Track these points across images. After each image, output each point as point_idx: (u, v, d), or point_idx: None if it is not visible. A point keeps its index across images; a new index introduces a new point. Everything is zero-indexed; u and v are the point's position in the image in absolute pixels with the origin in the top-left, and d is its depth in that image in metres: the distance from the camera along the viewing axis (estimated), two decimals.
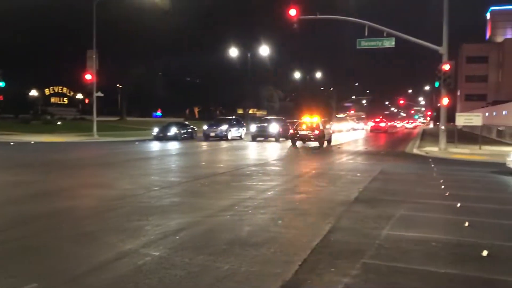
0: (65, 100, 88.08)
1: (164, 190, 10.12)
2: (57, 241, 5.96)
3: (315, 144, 27.27)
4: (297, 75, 75.00)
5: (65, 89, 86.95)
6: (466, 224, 7.15)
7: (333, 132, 35.42)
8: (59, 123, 46.93)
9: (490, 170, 14.77)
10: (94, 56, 31.35)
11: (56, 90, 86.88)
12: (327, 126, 31.54)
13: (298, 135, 27.34)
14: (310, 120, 28.59)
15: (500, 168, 14.71)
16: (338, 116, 70.24)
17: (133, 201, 8.69)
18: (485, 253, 5.59)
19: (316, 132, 26.79)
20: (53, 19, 50.01)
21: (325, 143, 27.98)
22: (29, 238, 6.07)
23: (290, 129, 30.97)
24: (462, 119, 23.55)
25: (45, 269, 4.80)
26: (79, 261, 5.11)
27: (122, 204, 8.40)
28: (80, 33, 41.06)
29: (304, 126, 27.98)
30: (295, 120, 43.95)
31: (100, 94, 33.65)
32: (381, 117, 74.39)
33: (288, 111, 75.64)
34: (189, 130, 34.10)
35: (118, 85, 66.81)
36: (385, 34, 22.72)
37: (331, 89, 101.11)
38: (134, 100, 74.13)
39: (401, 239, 6.28)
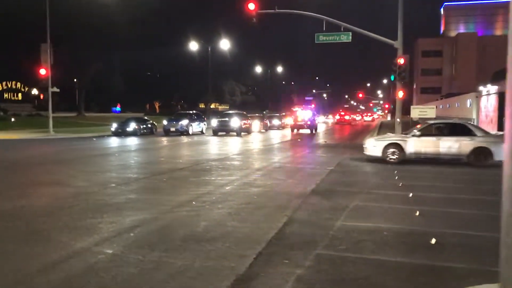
0: (20, 96, 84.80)
1: (121, 187, 9.96)
2: (7, 241, 5.78)
3: (307, 131, 38.67)
4: (258, 69, 75.16)
5: (19, 84, 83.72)
6: (417, 213, 7.41)
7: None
8: (13, 119, 45.24)
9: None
10: (48, 50, 30.33)
11: (9, 86, 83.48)
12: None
13: (297, 125, 39.27)
14: (304, 113, 40.60)
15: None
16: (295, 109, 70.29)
17: (87, 199, 8.51)
18: (433, 241, 5.81)
19: (309, 122, 38.99)
20: (5, 9, 47.99)
21: (314, 130, 39.16)
22: None
23: (248, 123, 35.83)
24: (417, 112, 24.19)
25: None
26: (30, 261, 4.97)
27: (76, 202, 8.21)
28: (34, 26, 39.57)
29: (299, 118, 39.55)
30: (256, 114, 44.08)
31: (55, 89, 32.61)
32: (343, 111, 76.88)
33: (249, 105, 75.85)
34: (149, 126, 33.63)
35: (75, 79, 64.93)
36: (342, 29, 23.06)
37: (292, 83, 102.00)
38: (93, 95, 72.39)
39: (354, 229, 6.43)
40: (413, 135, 15.06)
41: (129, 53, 66.44)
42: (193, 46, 50.30)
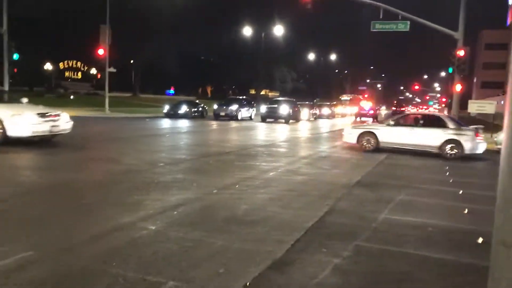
0: (79, 75, 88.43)
1: (169, 166, 10.21)
2: (56, 212, 6.08)
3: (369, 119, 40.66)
4: (311, 56, 74.28)
5: (79, 64, 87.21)
6: (466, 211, 7.14)
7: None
8: (72, 97, 47.29)
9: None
10: (107, 31, 31.32)
11: (70, 65, 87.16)
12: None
13: (361, 113, 45.22)
14: (366, 103, 47.50)
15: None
16: (343, 98, 67.94)
17: (137, 176, 8.79)
18: (480, 240, 5.59)
19: (371, 111, 45.83)
20: None
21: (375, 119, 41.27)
22: (30, 208, 6.20)
23: (298, 110, 35.70)
24: (475, 107, 23.19)
25: (42, 238, 4.91)
26: (76, 232, 5.22)
27: (125, 178, 8.51)
28: (95, 7, 40.98)
29: (365, 107, 46.48)
30: (306, 102, 43.68)
31: (112, 69, 33.72)
32: (399, 103, 76.64)
33: (300, 92, 75.22)
34: (200, 109, 34.16)
35: (131, 61, 66.82)
36: (400, 17, 22.32)
37: (345, 71, 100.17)
38: (148, 77, 74.24)
39: (398, 223, 6.29)
40: (388, 124, 15.49)
41: (184, 37, 67.44)
42: (247, 31, 50.37)
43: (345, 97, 69.61)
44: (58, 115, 12.97)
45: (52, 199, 6.77)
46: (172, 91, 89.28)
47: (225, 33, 67.63)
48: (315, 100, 58.04)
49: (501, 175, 1.61)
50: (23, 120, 11.84)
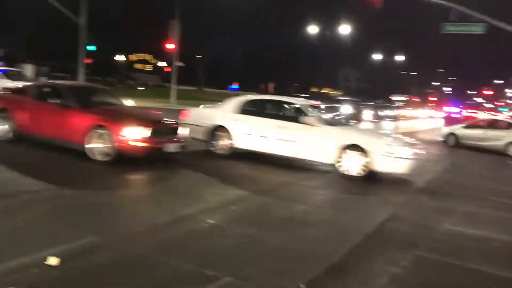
0: (148, 67, 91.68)
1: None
2: (120, 200, 6.37)
3: None
4: (376, 56, 72.44)
5: (148, 57, 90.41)
6: None
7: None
8: (140, 88, 49.13)
9: None
10: (176, 26, 32.23)
11: (140, 57, 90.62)
12: None
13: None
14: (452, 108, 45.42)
15: None
16: (394, 99, 61.47)
17: (195, 169, 8.98)
18: None
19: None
20: None
21: None
22: (95, 195, 6.52)
23: (360, 111, 34.01)
24: None
25: (105, 225, 5.14)
26: (138, 221, 5.43)
27: (195, 167, 8.71)
28: (167, 2, 42.34)
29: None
30: (369, 103, 42.67)
31: (180, 63, 34.71)
32: (471, 108, 73.22)
33: (364, 92, 73.59)
34: None
35: (198, 56, 68.42)
36: (474, 20, 21.21)
37: (412, 73, 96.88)
38: (213, 72, 75.68)
39: (461, 235, 6.05)
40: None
41: (250, 33, 68.08)
42: (311, 29, 49.93)
43: (396, 98, 62.41)
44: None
45: (119, 189, 7.09)
46: (235, 86, 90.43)
47: (290, 30, 67.56)
48: (378, 101, 56.59)
49: None
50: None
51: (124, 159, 8.00)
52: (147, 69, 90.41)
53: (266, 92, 78.58)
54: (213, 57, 67.24)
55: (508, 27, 21.06)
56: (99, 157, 8.03)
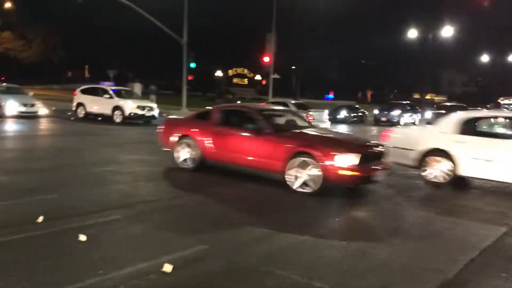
0: (245, 81, 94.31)
1: None
2: (228, 212, 6.55)
3: None
4: (484, 58, 67.48)
5: (245, 71, 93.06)
6: None
7: None
8: (238, 102, 50.68)
9: None
10: (272, 39, 32.87)
11: (238, 72, 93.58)
12: None
13: None
14: None
15: None
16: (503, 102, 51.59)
17: None
18: None
19: None
20: (237, 5, 53.85)
21: None
22: (204, 205, 6.78)
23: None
24: None
25: (213, 235, 5.32)
26: (244, 232, 5.53)
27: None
28: (262, 17, 43.47)
29: None
30: (478, 108, 39.84)
31: (276, 76, 35.25)
32: None
33: (471, 97, 68.79)
34: (359, 114, 33.61)
35: (293, 67, 68.99)
36: None
37: None
38: (308, 82, 75.77)
39: None
40: None
41: (345, 41, 67.25)
42: (412, 33, 47.96)
43: (506, 101, 54.10)
44: None
45: (222, 200, 7.31)
46: (331, 95, 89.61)
47: (388, 35, 65.53)
48: (488, 106, 52.58)
49: None
50: None
51: (325, 190, 7.27)
52: (244, 83, 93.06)
53: (365, 101, 76.79)
54: (308, 67, 67.28)
55: None
56: (300, 188, 7.37)
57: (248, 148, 8.13)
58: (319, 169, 7.12)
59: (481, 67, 74.27)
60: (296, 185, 7.38)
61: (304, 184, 7.33)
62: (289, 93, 70.79)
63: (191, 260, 4.46)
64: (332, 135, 8.90)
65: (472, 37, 65.86)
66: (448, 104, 38.15)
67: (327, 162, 7.06)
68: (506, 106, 47.51)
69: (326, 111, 26.90)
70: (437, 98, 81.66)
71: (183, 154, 8.97)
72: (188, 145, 8.89)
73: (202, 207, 6.63)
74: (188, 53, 28.32)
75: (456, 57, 69.46)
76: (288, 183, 7.46)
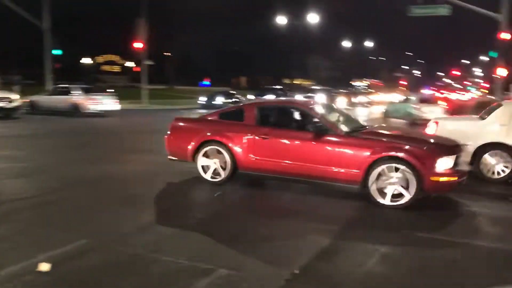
0: (116, 68, 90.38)
1: None
2: (106, 203, 6.30)
3: None
4: (345, 44, 73.20)
5: (116, 57, 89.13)
6: None
7: None
8: (109, 90, 48.33)
9: None
10: (143, 24, 31.84)
11: (107, 59, 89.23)
12: None
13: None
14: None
15: None
16: (356, 84, 55.21)
17: (180, 166, 8.94)
18: None
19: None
20: None
21: None
22: (80, 199, 6.45)
23: (333, 99, 33.32)
24: None
25: (94, 228, 5.12)
26: (126, 222, 5.41)
27: (168, 169, 8.66)
28: (132, 1, 41.78)
29: None
30: (341, 90, 43.16)
31: (150, 62, 34.34)
32: (445, 89, 74.72)
33: (335, 81, 74.29)
34: (235, 99, 34.35)
35: (166, 53, 67.79)
36: (439, 2, 21.67)
37: (380, 58, 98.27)
38: (183, 69, 75.14)
39: (445, 211, 6.20)
40: None
41: (218, 28, 67.85)
42: (280, 20, 49.99)
43: (358, 83, 57.12)
44: None
45: (101, 190, 7.00)
46: (207, 82, 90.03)
47: (258, 23, 67.55)
48: (351, 88, 57.25)
49: None
50: None
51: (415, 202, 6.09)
52: (114, 70, 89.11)
53: (239, 87, 78.45)
54: (182, 54, 66.68)
55: (472, 7, 21.57)
56: (389, 201, 6.11)
57: (308, 155, 6.59)
58: (419, 178, 5.94)
59: (342, 53, 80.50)
60: (386, 199, 6.11)
61: (395, 195, 6.11)
62: (164, 80, 69.52)
63: (71, 256, 4.24)
64: (412, 135, 7.69)
65: (334, 24, 70.85)
66: (315, 87, 40.73)
67: (428, 168, 5.93)
68: (357, 87, 51.79)
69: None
70: (305, 83, 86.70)
71: (210, 164, 7.26)
72: (217, 153, 7.21)
73: (82, 201, 6.29)
74: (51, 39, 26.22)
75: (320, 43, 74.23)
76: (373, 196, 6.18)
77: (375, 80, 59.31)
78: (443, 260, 4.49)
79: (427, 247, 4.83)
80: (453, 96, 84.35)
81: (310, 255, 4.46)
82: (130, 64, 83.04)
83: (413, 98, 26.70)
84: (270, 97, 33.33)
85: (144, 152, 11.04)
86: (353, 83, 52.93)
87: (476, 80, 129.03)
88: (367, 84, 51.87)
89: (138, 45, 32.55)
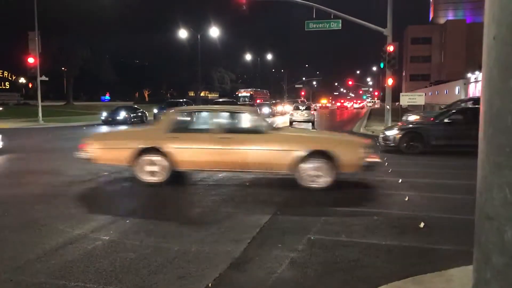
0: (7, 85, 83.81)
1: (114, 175, 10.01)
2: (3, 229, 5.84)
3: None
4: (248, 57, 74.90)
5: (6, 73, 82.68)
6: (406, 198, 7.59)
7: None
8: (0, 109, 44.80)
9: None
10: (36, 38, 29.99)
11: None
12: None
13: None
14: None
15: None
16: (240, 94, 57.31)
17: (82, 187, 8.57)
18: (422, 225, 5.99)
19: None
20: None
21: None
22: None
23: None
24: (406, 99, 24.44)
25: None
26: (27, 248, 5.05)
27: (70, 190, 8.26)
28: (22, 14, 39.12)
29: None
30: (246, 102, 44.01)
31: (44, 78, 32.32)
32: (344, 99, 79.40)
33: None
34: (139, 114, 33.53)
35: (63, 68, 64.28)
36: (332, 16, 23.12)
37: (282, 70, 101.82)
38: (81, 84, 71.77)
39: (345, 214, 6.59)
40: None
41: (118, 41, 65.93)
42: (182, 33, 49.95)
43: (243, 93, 58.53)
44: None
45: None
46: (107, 97, 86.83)
47: (160, 36, 66.77)
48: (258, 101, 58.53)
49: (480, 162, 1.83)
50: None
51: None
52: (5, 87, 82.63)
53: (143, 101, 76.48)
54: (80, 68, 63.58)
55: (361, 22, 23.23)
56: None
57: None
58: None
59: (246, 66, 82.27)
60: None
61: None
62: (61, 96, 65.81)
63: None
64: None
65: (237, 38, 72.23)
66: (220, 100, 41.06)
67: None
68: (242, 98, 51.88)
69: None
70: (210, 95, 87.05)
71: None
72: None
73: None
74: None
75: (224, 56, 75.17)
76: None
77: (259, 90, 60.35)
78: (347, 260, 4.78)
79: (334, 249, 5.11)
80: (348, 104, 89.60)
81: (224, 266, 4.51)
82: (23, 80, 77.58)
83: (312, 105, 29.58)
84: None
85: (42, 173, 10.36)
86: (239, 94, 53.32)
87: (370, 89, 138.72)
88: (250, 94, 52.18)
89: (31, 60, 30.57)
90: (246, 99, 51.54)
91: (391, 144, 14.57)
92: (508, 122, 1.67)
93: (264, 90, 66.10)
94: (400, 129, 14.80)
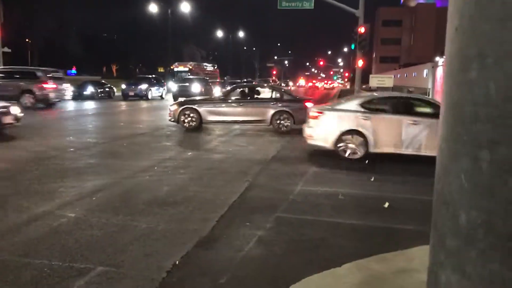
0: None
1: (80, 151, 9.84)
2: None
3: None
4: (219, 33, 73.93)
5: None
6: (372, 179, 7.79)
7: None
8: None
9: None
10: None
11: None
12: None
13: None
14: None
15: None
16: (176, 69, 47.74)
17: (47, 163, 8.40)
18: (386, 205, 6.17)
19: None
20: None
21: None
22: None
23: (210, 88, 32.59)
24: (375, 81, 24.77)
25: None
26: None
27: (35, 166, 8.09)
28: None
29: None
30: (218, 80, 43.57)
31: (7, 49, 31.06)
32: (315, 79, 79.27)
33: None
34: (107, 89, 32.83)
35: (27, 40, 61.92)
36: None
37: (254, 49, 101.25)
38: (46, 57, 69.41)
39: (313, 193, 6.72)
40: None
41: (86, 13, 63.87)
42: (153, 8, 48.79)
43: (179, 68, 44.18)
44: None
45: None
46: (74, 71, 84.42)
47: (129, 9, 65.04)
48: (225, 78, 58.12)
49: (439, 149, 1.89)
50: None
51: None
52: None
53: (111, 75, 74.75)
54: (46, 40, 61.34)
55: (333, 2, 23.21)
56: None
57: None
58: None
59: (217, 43, 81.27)
60: None
61: None
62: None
63: None
64: None
65: (208, 14, 71.08)
66: (192, 77, 40.46)
67: None
68: (179, 73, 43.62)
69: None
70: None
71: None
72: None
73: None
74: None
75: (195, 32, 74.00)
76: None
77: (203, 65, 53.04)
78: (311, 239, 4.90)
79: (300, 227, 5.21)
80: (319, 84, 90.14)
81: (191, 244, 4.54)
82: None
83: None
84: (144, 86, 32.39)
85: (4, 149, 10.09)
86: (175, 68, 41.37)
87: (341, 70, 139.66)
88: (188, 69, 42.00)
89: None
90: (183, 75, 40.56)
91: (172, 120, 14.18)
92: (466, 112, 1.73)
93: (210, 65, 55.83)
94: (179, 104, 14.29)
